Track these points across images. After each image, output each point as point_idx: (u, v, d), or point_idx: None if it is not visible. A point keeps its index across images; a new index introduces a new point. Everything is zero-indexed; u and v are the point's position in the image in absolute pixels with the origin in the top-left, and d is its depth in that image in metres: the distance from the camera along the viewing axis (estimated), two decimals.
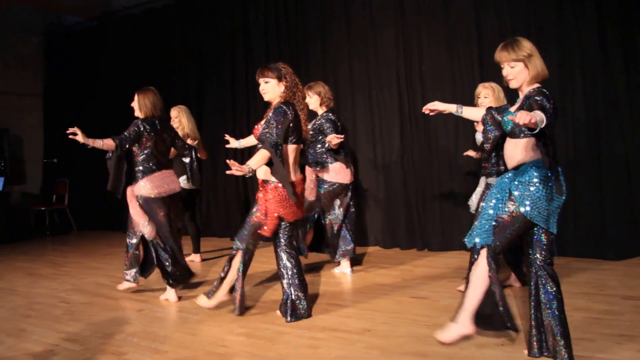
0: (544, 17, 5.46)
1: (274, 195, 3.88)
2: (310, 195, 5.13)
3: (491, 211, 2.97)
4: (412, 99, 6.26)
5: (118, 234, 8.76)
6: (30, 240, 8.89)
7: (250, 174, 3.61)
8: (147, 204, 4.49)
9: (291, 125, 3.82)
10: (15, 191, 9.81)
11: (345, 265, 5.31)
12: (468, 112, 3.40)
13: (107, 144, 4.37)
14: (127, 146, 4.42)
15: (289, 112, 3.80)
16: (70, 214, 9.62)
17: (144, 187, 4.48)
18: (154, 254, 4.56)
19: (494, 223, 2.94)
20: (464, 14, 5.93)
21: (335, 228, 5.18)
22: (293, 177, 3.93)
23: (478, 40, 5.86)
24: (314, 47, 7.10)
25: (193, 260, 6.28)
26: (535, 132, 2.63)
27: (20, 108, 10.14)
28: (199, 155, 5.74)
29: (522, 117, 2.48)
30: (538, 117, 2.57)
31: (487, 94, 4.42)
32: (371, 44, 6.60)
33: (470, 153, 4.89)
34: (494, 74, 5.66)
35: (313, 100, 5.19)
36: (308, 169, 5.21)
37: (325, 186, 5.13)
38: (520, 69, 2.92)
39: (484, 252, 2.94)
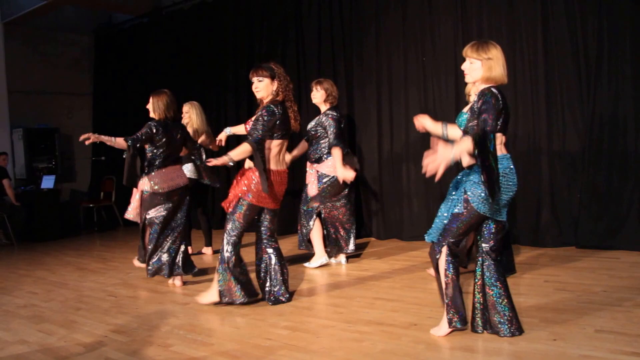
0: (616, 7, 5.16)
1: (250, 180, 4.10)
2: (311, 190, 5.32)
3: (445, 212, 3.32)
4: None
5: None
6: (79, 236, 9.12)
7: (232, 164, 4.00)
8: (149, 197, 4.85)
9: (278, 123, 4.04)
10: (65, 189, 10.10)
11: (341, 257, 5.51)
12: (452, 133, 3.59)
13: (119, 142, 4.74)
14: (138, 146, 4.78)
15: (277, 112, 4.03)
16: (117, 211, 9.81)
17: (147, 184, 4.85)
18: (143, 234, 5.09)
19: (445, 221, 3.27)
20: (530, 4, 5.62)
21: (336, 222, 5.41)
22: (274, 167, 4.13)
23: (543, 32, 5.53)
24: (367, 36, 6.89)
25: (205, 253, 6.41)
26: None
27: (70, 107, 10.41)
28: (210, 147, 5.86)
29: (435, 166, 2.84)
30: (464, 145, 2.87)
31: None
32: (428, 33, 6.37)
33: None
34: (559, 66, 5.48)
35: (319, 95, 5.37)
36: (309, 165, 5.35)
37: (324, 180, 5.25)
38: (476, 67, 3.14)
39: (444, 250, 3.23)
